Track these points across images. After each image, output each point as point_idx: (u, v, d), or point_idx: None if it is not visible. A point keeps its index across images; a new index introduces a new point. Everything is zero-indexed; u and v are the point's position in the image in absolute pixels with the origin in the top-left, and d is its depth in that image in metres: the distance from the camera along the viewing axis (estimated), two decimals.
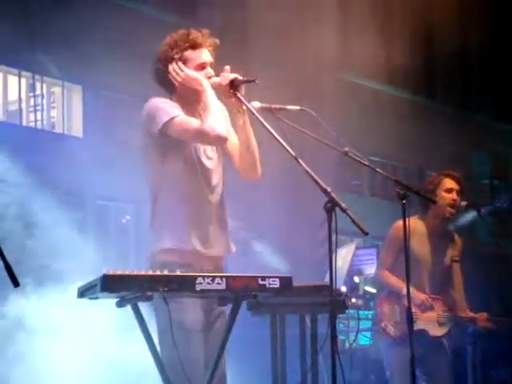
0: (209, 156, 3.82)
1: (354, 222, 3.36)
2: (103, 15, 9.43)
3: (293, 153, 3.46)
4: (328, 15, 11.05)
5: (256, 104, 3.70)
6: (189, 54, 3.77)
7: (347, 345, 7.59)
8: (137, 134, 3.86)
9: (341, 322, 7.30)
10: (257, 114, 3.61)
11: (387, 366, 5.51)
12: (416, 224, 5.35)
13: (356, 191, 15.18)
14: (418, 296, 5.31)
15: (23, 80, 10.25)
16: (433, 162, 15.67)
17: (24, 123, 10.25)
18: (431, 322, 5.38)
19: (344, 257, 5.58)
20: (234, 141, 3.85)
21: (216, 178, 3.82)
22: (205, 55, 3.78)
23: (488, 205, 6.34)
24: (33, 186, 7.66)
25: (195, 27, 3.87)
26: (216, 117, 3.66)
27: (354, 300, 7.36)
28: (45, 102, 10.57)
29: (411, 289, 5.06)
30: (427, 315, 5.38)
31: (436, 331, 5.39)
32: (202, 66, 3.77)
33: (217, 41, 3.84)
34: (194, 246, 3.69)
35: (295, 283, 3.38)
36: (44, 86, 10.42)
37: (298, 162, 3.43)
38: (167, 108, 3.71)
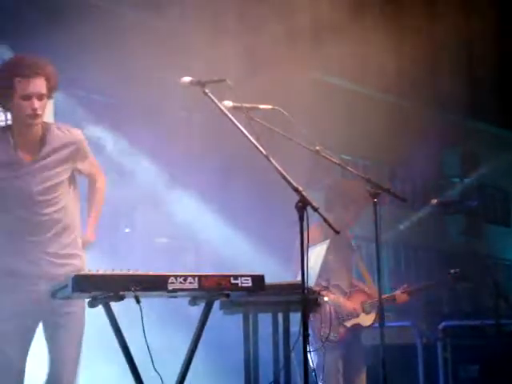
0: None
1: (325, 220, 3.38)
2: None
3: (264, 152, 3.46)
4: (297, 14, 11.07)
5: (228, 103, 3.69)
6: (16, 82, 3.59)
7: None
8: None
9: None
10: (227, 113, 3.60)
11: (321, 369, 5.57)
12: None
13: None
14: (346, 305, 5.49)
15: None
16: (404, 161, 15.78)
17: None
18: (360, 315, 5.52)
19: (316, 256, 5.59)
20: None
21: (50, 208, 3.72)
22: (33, 86, 3.58)
23: (458, 203, 6.36)
24: None
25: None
26: None
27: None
28: None
29: (340, 298, 5.37)
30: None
31: (366, 321, 5.53)
32: (27, 97, 3.59)
33: (52, 70, 3.66)
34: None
35: (267, 282, 3.37)
36: None
37: (270, 161, 3.44)
38: None
